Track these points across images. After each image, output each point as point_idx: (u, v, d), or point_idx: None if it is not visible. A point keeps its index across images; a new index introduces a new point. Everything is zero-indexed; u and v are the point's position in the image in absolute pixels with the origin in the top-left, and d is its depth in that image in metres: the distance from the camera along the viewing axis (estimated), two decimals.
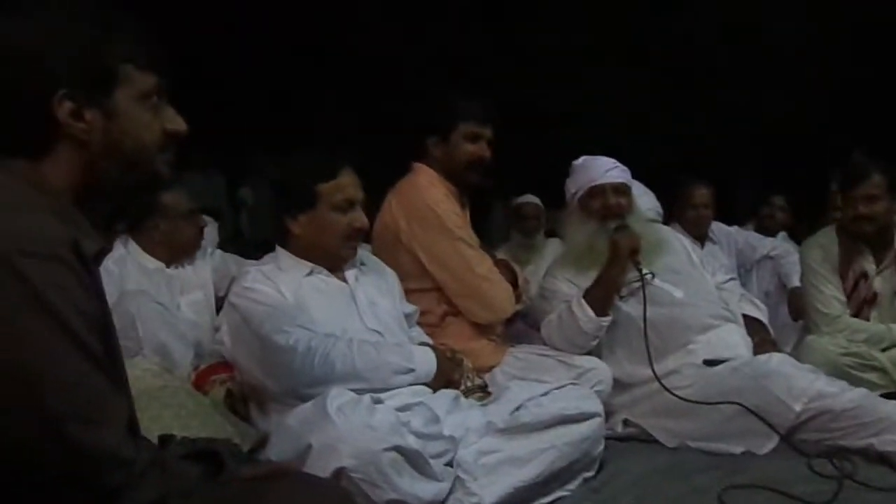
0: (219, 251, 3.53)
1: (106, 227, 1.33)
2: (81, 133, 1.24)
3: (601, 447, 2.44)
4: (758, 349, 2.97)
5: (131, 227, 3.22)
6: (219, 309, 3.21)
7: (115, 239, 3.05)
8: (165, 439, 1.53)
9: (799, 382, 2.55)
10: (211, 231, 4.08)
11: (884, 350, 3.24)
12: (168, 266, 3.28)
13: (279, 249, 2.51)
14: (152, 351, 3.01)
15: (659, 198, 4.14)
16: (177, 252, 3.31)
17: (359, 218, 2.47)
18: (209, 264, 3.41)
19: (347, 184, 2.45)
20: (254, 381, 2.38)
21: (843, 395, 2.51)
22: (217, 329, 2.51)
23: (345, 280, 2.51)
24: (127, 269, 3.21)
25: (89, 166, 1.26)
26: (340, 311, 2.42)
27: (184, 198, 3.28)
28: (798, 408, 2.50)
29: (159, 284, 3.21)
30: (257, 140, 7.28)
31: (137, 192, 1.33)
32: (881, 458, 2.37)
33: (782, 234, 5.44)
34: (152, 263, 3.26)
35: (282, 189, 2.55)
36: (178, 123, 1.34)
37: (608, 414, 2.74)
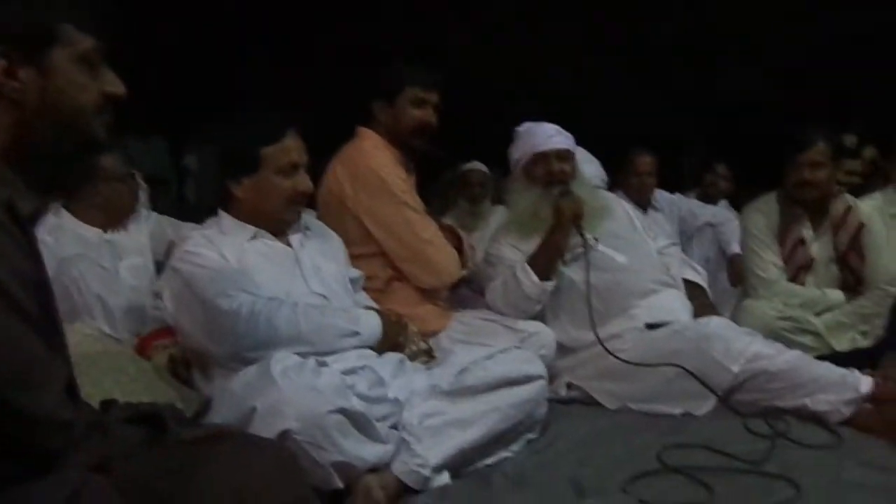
0: (155, 214, 3.48)
1: (44, 190, 1.31)
2: (14, 92, 1.22)
3: (544, 409, 2.48)
4: (697, 313, 3.04)
5: (71, 192, 3.15)
6: (157, 273, 3.18)
7: (53, 203, 3.00)
8: (107, 404, 1.52)
9: (736, 345, 2.61)
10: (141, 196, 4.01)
11: (818, 314, 3.35)
12: (105, 231, 3.22)
13: (222, 213, 2.47)
14: (97, 315, 2.98)
15: (604, 165, 4.19)
16: (114, 216, 3.25)
17: (303, 182, 2.44)
18: (146, 228, 3.36)
19: (292, 147, 2.43)
20: (197, 345, 2.35)
21: (779, 357, 2.58)
22: (157, 294, 2.48)
23: (289, 244, 2.49)
24: (63, 238, 3.15)
25: (23, 126, 1.23)
26: (285, 275, 2.40)
27: (121, 161, 3.22)
28: (735, 369, 2.57)
29: (100, 251, 3.16)
30: (202, 106, 7.16)
31: (74, 155, 1.31)
32: (813, 417, 2.46)
33: (724, 202, 5.55)
34: (89, 231, 3.19)
35: (225, 152, 2.51)
36: (116, 86, 1.32)
37: (552, 377, 2.78)
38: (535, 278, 2.95)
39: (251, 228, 2.44)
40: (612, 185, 4.45)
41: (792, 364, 2.56)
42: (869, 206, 3.56)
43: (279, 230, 2.49)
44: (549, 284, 2.97)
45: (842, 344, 3.23)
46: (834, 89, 6.87)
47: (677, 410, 2.64)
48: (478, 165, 5.22)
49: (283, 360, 2.02)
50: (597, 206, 3.14)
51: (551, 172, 3.08)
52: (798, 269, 3.47)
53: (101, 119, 1.30)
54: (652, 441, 2.35)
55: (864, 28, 6.84)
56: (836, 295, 3.40)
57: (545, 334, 2.93)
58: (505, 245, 3.17)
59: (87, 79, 1.27)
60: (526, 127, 3.23)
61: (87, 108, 1.27)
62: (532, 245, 3.05)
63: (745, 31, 7.20)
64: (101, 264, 3.09)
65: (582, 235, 3.00)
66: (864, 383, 2.48)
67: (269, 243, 2.46)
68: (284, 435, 1.86)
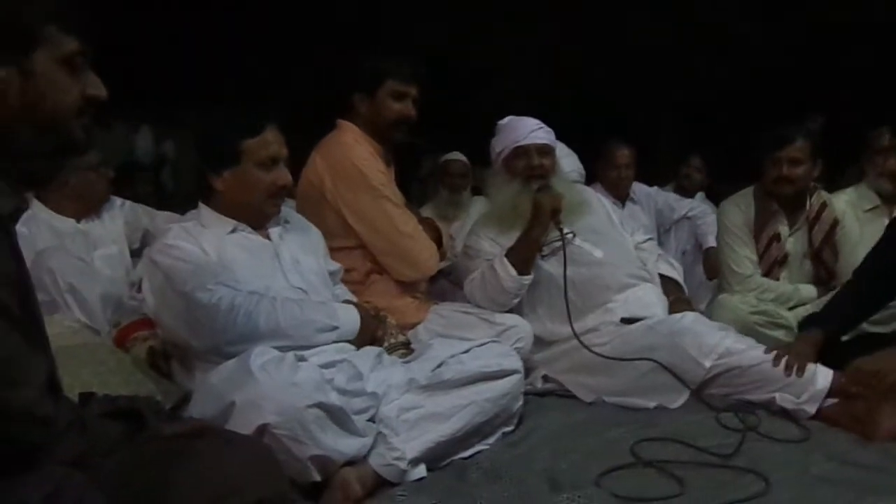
0: (129, 202, 3.47)
1: (21, 188, 1.32)
2: None
3: (520, 403, 2.52)
4: (672, 308, 3.08)
5: (41, 186, 3.14)
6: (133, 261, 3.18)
7: (28, 198, 2.99)
8: (86, 397, 1.53)
9: (709, 340, 2.66)
10: None
11: (790, 309, 3.39)
12: (78, 221, 3.20)
13: (202, 206, 2.48)
14: (73, 305, 2.98)
15: (582, 158, 4.22)
16: (87, 206, 3.24)
17: (283, 175, 2.45)
18: (121, 217, 3.35)
19: (272, 140, 2.43)
20: (177, 339, 2.37)
21: (750, 352, 2.63)
22: (133, 284, 2.49)
23: (268, 237, 2.50)
24: (37, 229, 3.14)
25: (3, 126, 1.23)
26: (264, 269, 2.41)
27: (93, 151, 3.21)
28: (708, 364, 2.61)
29: (74, 241, 3.15)
30: (182, 93, 7.12)
31: (52, 156, 1.31)
32: (783, 412, 2.50)
33: (700, 195, 5.59)
34: (61, 222, 3.18)
35: (206, 144, 2.52)
36: (98, 89, 1.32)
37: (528, 370, 2.82)
38: (513, 272, 2.97)
39: (231, 221, 2.45)
40: (590, 178, 4.48)
41: (762, 359, 2.60)
42: (843, 203, 3.62)
43: (259, 223, 2.50)
44: (527, 278, 3.00)
45: None
46: (807, 85, 6.93)
47: (651, 404, 2.69)
48: (458, 156, 5.23)
49: (262, 355, 2.04)
50: (575, 201, 3.16)
51: (531, 167, 3.10)
52: (772, 265, 3.51)
53: (81, 121, 1.30)
54: (626, 434, 2.40)
55: (838, 25, 6.90)
56: (809, 290, 3.45)
57: (522, 327, 2.96)
58: (484, 238, 3.20)
59: (70, 81, 1.27)
60: (508, 120, 3.25)
61: (68, 111, 1.27)
62: (511, 239, 3.07)
63: (721, 23, 7.24)
64: (77, 255, 3.08)
65: (560, 230, 3.02)
66: (822, 379, 2.53)
67: (248, 236, 2.47)
68: (263, 429, 1.88)
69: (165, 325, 2.38)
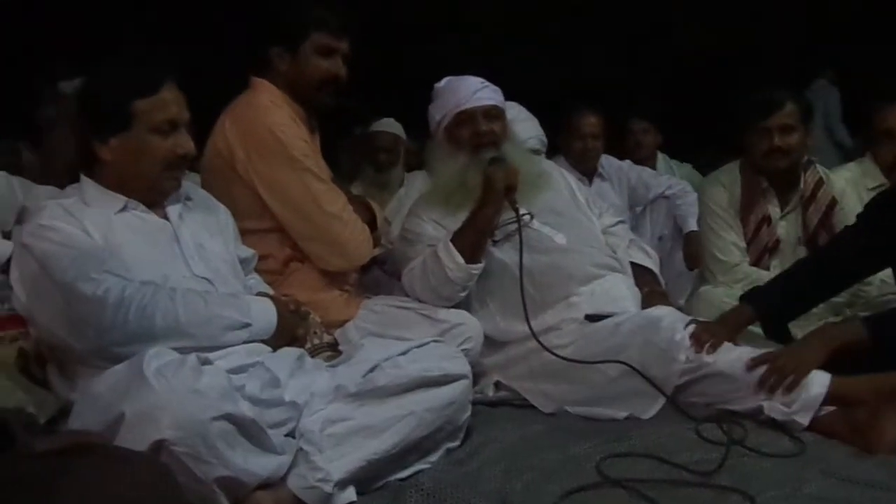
0: (1, 173, 3.39)
1: None
2: None
3: (467, 414, 2.52)
4: (646, 301, 3.11)
5: None
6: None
7: None
8: None
9: (682, 334, 2.66)
10: None
11: None
12: None
13: (84, 179, 2.42)
14: None
15: (543, 127, 4.23)
16: None
17: (183, 142, 2.41)
18: None
19: (170, 101, 2.39)
20: (54, 339, 2.31)
21: (729, 354, 2.64)
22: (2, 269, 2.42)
23: (166, 217, 2.46)
24: None
25: None
26: (161, 255, 2.38)
27: None
28: (682, 357, 2.61)
29: None
30: (62, 48, 6.97)
31: None
32: (773, 423, 2.53)
33: (661, 156, 5.68)
34: None
35: (89, 106, 2.47)
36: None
37: (478, 376, 2.84)
38: (460, 259, 2.98)
39: (120, 198, 2.40)
40: (552, 150, 4.50)
41: (744, 362, 2.60)
42: (842, 180, 3.69)
43: (154, 200, 2.46)
44: (477, 267, 3.01)
45: None
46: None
47: (621, 414, 2.71)
48: (387, 126, 5.15)
49: (158, 358, 2.01)
50: (533, 174, 3.18)
51: (478, 134, 3.11)
52: (762, 252, 3.57)
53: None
54: (591, 450, 2.42)
55: None
56: None
57: (470, 325, 2.98)
58: (425, 220, 3.20)
59: None
60: (446, 82, 3.25)
61: None
62: (457, 221, 3.08)
63: None
64: None
65: (515, 210, 3.03)
66: (817, 385, 2.52)
67: (141, 216, 2.43)
68: (159, 446, 1.85)
69: (40, 322, 2.33)
